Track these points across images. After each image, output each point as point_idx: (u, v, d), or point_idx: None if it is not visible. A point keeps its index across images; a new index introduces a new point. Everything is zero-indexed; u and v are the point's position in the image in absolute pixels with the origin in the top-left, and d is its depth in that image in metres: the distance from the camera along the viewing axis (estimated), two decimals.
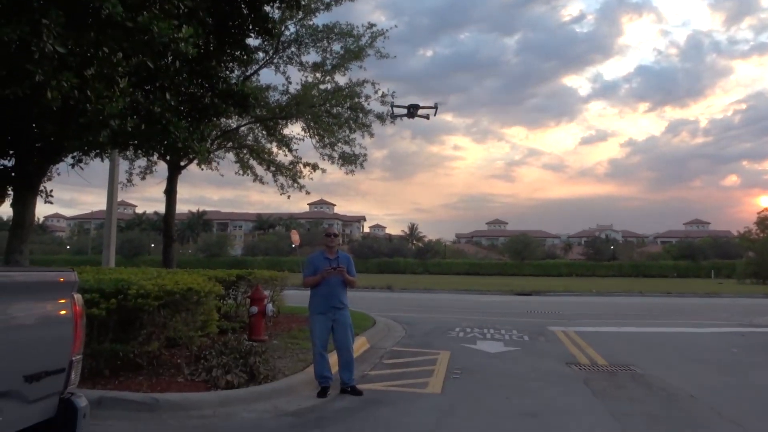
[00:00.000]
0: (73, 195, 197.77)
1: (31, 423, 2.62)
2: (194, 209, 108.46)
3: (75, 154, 8.82)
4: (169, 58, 8.50)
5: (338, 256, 6.78)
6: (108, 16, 6.02)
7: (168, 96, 8.24)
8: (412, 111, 18.92)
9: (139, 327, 6.27)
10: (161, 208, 16.49)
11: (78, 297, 2.99)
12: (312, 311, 6.72)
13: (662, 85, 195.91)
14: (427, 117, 19.79)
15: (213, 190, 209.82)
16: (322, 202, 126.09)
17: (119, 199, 16.43)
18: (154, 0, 6.55)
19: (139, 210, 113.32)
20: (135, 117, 8.01)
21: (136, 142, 8.46)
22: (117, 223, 15.23)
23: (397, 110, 18.46)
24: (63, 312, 2.85)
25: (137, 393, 5.74)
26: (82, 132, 7.00)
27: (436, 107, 19.84)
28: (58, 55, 5.91)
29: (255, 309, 9.13)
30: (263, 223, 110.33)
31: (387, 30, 15.47)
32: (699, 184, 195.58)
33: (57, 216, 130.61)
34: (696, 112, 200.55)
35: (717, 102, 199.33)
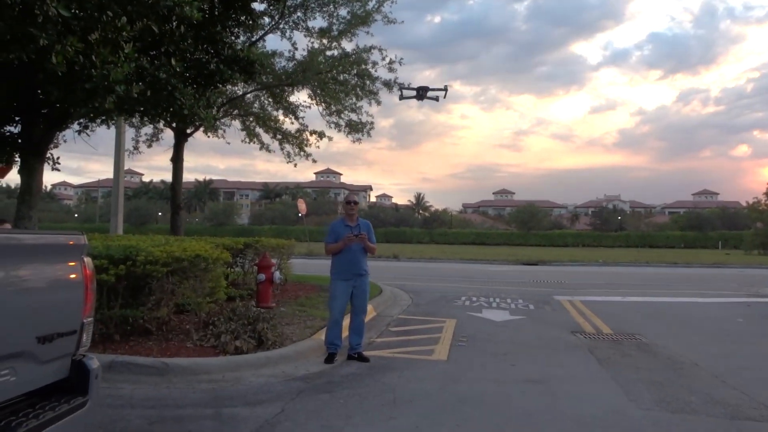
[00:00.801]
0: (80, 163, 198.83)
1: (45, 383, 2.67)
2: (201, 178, 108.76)
3: (81, 120, 8.79)
4: (174, 23, 8.41)
5: (359, 224, 6.84)
6: None
7: (173, 62, 8.16)
8: (422, 93, 18.67)
9: (148, 293, 6.33)
10: (168, 177, 16.55)
11: (88, 260, 3.00)
12: (334, 277, 6.82)
13: (674, 52, 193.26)
14: (436, 99, 19.50)
15: (219, 159, 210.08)
16: (328, 171, 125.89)
17: (126, 168, 16.45)
18: None
19: (146, 178, 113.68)
20: (140, 83, 7.97)
21: (142, 108, 8.40)
22: (124, 192, 15.27)
23: (406, 92, 18.25)
24: (73, 275, 2.87)
25: (147, 357, 5.83)
26: (88, 98, 6.95)
27: (445, 89, 19.54)
28: (62, 19, 5.84)
29: (263, 276, 9.19)
30: (270, 192, 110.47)
31: None
32: (709, 154, 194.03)
33: (64, 184, 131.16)
34: (708, 80, 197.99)
35: (730, 70, 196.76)
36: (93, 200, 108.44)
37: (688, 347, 8.13)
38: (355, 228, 6.74)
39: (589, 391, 5.80)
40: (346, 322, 6.89)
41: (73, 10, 6.14)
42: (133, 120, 13.28)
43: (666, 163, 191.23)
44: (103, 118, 8.73)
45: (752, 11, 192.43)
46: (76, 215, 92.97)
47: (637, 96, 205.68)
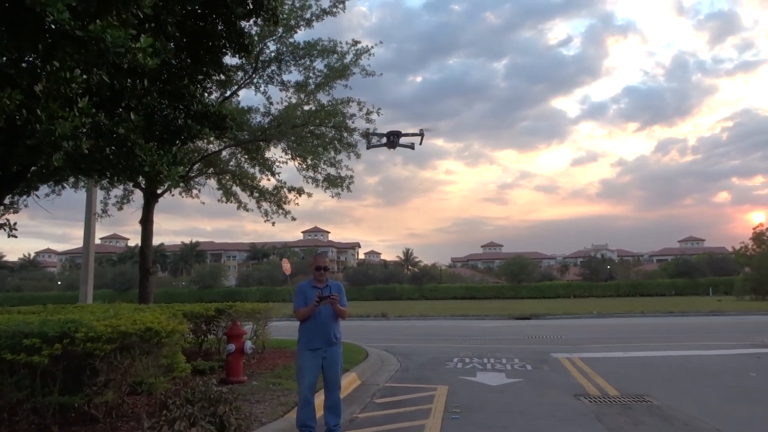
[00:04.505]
0: (65, 230, 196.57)
1: None
2: (187, 240, 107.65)
3: (31, 181, 8.11)
4: (138, 79, 7.88)
5: (328, 284, 6.01)
6: (54, 24, 5.38)
7: (133, 116, 7.58)
8: (393, 140, 16.17)
9: (91, 374, 5.48)
10: (154, 240, 15.48)
11: None
12: (302, 347, 5.89)
13: (650, 104, 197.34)
14: (411, 146, 16.77)
15: (206, 221, 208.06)
16: (316, 230, 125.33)
17: (111, 233, 15.83)
18: (109, 7, 5.89)
19: (131, 243, 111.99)
20: (99, 139, 7.36)
21: (98, 166, 7.74)
22: (109, 257, 14.59)
23: (374, 141, 16.10)
24: None
25: None
26: (31, 155, 6.30)
27: (421, 134, 16.75)
28: None
29: (232, 347, 8.31)
30: (257, 252, 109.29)
31: (372, 46, 14.93)
32: (690, 202, 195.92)
33: (49, 251, 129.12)
34: (684, 130, 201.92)
35: (704, 120, 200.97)
36: (77, 267, 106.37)
37: (705, 409, 7.36)
38: (324, 289, 5.91)
39: None
40: (321, 398, 6.02)
41: (11, 58, 5.59)
42: (96, 180, 12.59)
43: (649, 211, 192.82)
44: (57, 179, 8.03)
45: (722, 64, 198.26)
46: (59, 282, 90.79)
47: (617, 147, 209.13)
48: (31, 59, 5.97)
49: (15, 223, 9.14)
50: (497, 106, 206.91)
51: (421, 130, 16.84)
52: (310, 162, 15.50)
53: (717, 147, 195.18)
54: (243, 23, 9.65)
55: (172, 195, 15.76)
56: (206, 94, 10.68)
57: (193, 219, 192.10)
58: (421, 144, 16.96)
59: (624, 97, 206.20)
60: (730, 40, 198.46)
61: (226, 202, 16.63)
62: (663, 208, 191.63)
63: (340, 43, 14.63)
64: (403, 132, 16.47)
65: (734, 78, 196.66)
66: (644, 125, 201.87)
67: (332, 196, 16.05)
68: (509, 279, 78.47)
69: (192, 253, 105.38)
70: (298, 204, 16.55)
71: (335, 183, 15.87)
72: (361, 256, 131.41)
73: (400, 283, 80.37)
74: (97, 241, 13.54)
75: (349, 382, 8.80)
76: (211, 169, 16.22)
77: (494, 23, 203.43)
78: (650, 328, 21.34)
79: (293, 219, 16.68)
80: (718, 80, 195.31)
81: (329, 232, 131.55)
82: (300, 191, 16.07)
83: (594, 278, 78.36)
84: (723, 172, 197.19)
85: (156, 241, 14.53)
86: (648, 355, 13.03)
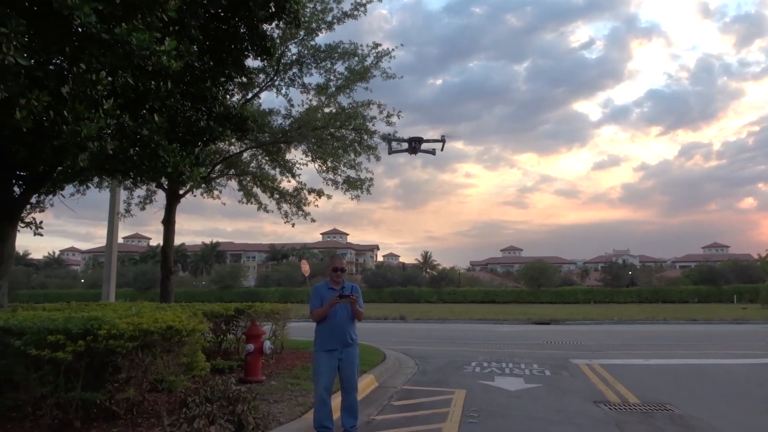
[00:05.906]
0: (89, 229, 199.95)
1: None
2: (208, 241, 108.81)
3: (57, 180, 8.27)
4: (162, 81, 8.00)
5: (344, 286, 6.03)
6: (80, 27, 5.48)
7: (156, 118, 7.70)
8: (415, 146, 16.35)
9: (113, 371, 5.57)
10: (176, 240, 15.69)
11: None
12: (318, 348, 5.91)
13: (674, 108, 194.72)
14: (432, 152, 16.94)
15: (227, 221, 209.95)
16: (335, 232, 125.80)
17: (134, 233, 16.05)
18: (134, 11, 5.99)
19: (153, 243, 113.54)
20: (123, 140, 7.49)
21: (122, 167, 7.87)
22: (131, 256, 14.81)
23: (395, 146, 16.23)
24: None
25: None
26: (57, 155, 6.42)
27: (443, 140, 16.82)
28: (25, 70, 5.36)
29: (251, 347, 8.39)
30: (276, 253, 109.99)
31: (393, 49, 14.98)
32: (715, 208, 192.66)
33: (73, 249, 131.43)
34: (709, 134, 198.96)
35: (730, 124, 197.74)
36: (100, 265, 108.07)
37: (729, 420, 7.22)
38: (342, 290, 5.91)
39: None
40: (338, 399, 6.04)
41: (39, 60, 5.71)
42: (120, 180, 12.81)
43: (673, 216, 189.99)
44: (82, 178, 8.18)
45: (748, 68, 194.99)
46: (82, 281, 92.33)
47: (639, 151, 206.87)
48: (58, 62, 6.09)
49: (41, 222, 9.38)
50: (518, 110, 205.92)
51: (443, 136, 16.97)
52: (330, 164, 15.68)
53: (743, 152, 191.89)
54: (265, 26, 9.73)
55: (194, 195, 16.01)
56: (228, 96, 10.80)
57: (213, 219, 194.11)
58: (442, 150, 17.20)
59: (647, 101, 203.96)
60: (757, 42, 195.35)
61: (247, 203, 16.85)
62: (686, 213, 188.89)
63: (361, 45, 14.79)
64: (424, 138, 16.60)
65: (761, 82, 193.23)
66: (668, 129, 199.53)
67: (352, 198, 16.26)
68: (529, 283, 77.80)
69: (212, 253, 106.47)
70: (317, 206, 16.75)
71: (355, 185, 16.01)
72: (380, 258, 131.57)
73: (419, 286, 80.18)
74: (120, 241, 13.76)
75: (366, 384, 8.81)
76: (232, 170, 16.44)
77: (515, 26, 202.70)
78: (672, 335, 21.03)
79: (313, 220, 16.87)
80: (744, 84, 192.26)
81: (348, 234, 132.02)
82: (320, 193, 16.24)
83: (615, 284, 77.31)
84: (749, 177, 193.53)
85: (177, 241, 14.73)
86: (670, 362, 12.84)
